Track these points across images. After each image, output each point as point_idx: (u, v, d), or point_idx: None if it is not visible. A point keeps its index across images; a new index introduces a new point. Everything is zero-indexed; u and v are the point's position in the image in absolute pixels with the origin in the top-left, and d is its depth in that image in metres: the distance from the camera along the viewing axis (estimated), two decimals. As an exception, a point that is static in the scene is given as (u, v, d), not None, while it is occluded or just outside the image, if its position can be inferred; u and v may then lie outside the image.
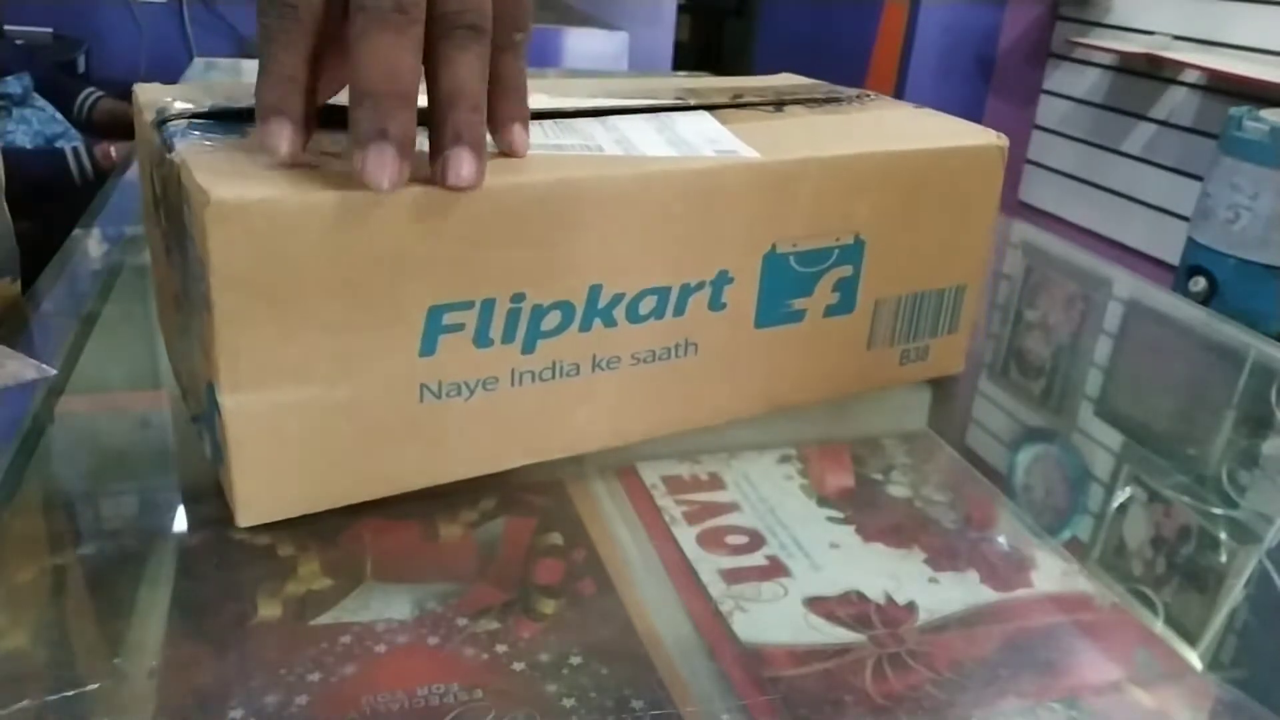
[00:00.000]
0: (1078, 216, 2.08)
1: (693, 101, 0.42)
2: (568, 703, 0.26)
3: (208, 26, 2.41)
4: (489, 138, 0.32)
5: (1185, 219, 1.50)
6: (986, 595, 0.32)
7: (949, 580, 0.32)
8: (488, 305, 0.32)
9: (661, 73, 1.77)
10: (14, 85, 1.67)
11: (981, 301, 0.47)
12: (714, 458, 0.39)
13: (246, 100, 0.35)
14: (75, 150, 1.58)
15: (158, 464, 0.36)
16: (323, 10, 0.30)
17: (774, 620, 0.30)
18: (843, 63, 2.41)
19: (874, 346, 0.42)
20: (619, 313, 0.35)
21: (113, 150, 1.58)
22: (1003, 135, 0.42)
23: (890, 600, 0.31)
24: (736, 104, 0.43)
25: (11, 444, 0.36)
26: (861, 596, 0.31)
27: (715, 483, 0.37)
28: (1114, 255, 1.90)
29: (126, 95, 1.04)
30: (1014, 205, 2.19)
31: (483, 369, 0.33)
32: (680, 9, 2.16)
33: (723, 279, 0.36)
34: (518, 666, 0.27)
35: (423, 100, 0.30)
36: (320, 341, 0.30)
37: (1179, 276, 1.39)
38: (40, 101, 1.73)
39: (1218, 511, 0.38)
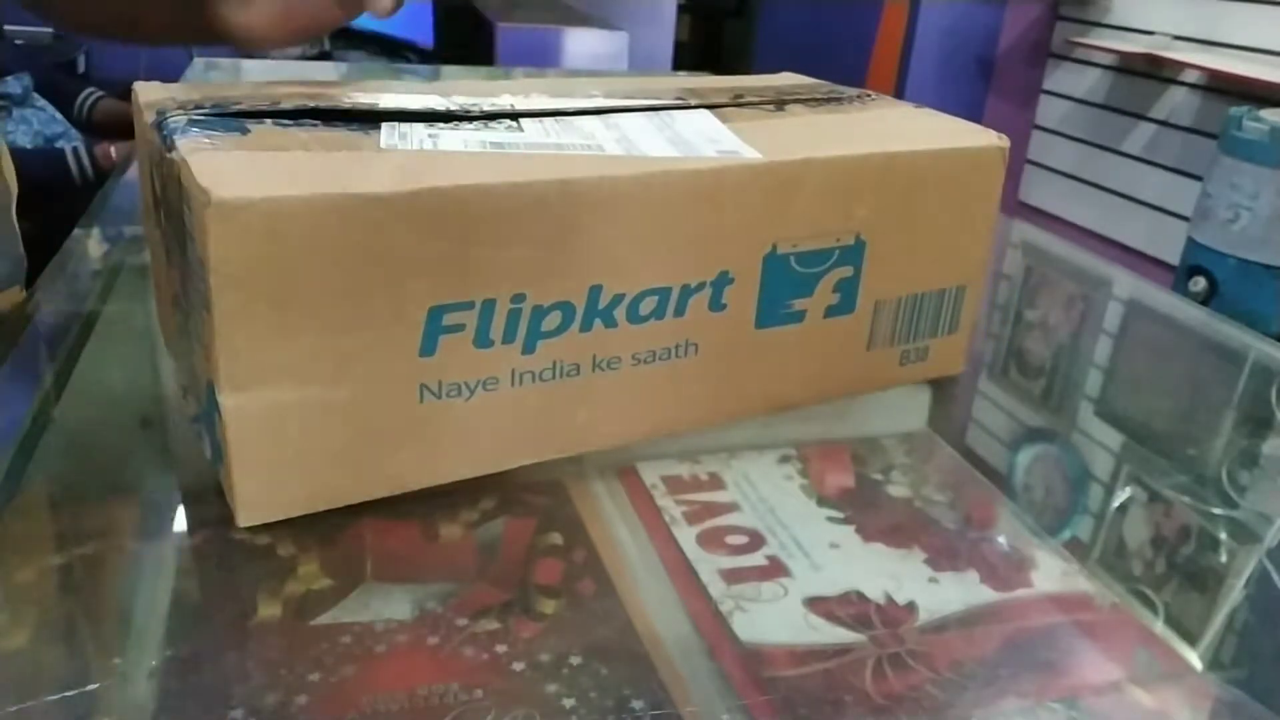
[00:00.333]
0: (1078, 216, 2.08)
1: (693, 101, 0.42)
2: (568, 703, 0.26)
3: (208, 26, 2.40)
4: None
5: (1185, 219, 1.50)
6: (986, 595, 0.32)
7: (949, 580, 0.32)
8: (488, 305, 0.32)
9: (661, 72, 1.77)
10: (14, 85, 1.68)
11: (981, 302, 0.47)
12: (714, 458, 0.39)
13: (247, 100, 0.35)
14: (75, 150, 1.58)
15: (158, 464, 0.36)
16: None
17: (774, 620, 0.30)
18: (843, 63, 2.41)
19: (874, 347, 0.42)
20: (619, 313, 0.35)
21: (113, 150, 1.58)
22: (1003, 136, 0.42)
23: (890, 600, 0.31)
24: (737, 103, 0.43)
25: (11, 444, 0.36)
26: (861, 596, 0.31)
27: (715, 483, 0.37)
28: (1114, 255, 1.90)
29: (126, 95, 1.03)
30: (1014, 205, 2.19)
31: (483, 369, 0.33)
32: (680, 9, 2.16)
33: (723, 279, 0.36)
34: (518, 666, 0.27)
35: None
36: (320, 341, 0.30)
37: (1179, 276, 1.39)
38: (40, 101, 1.73)
39: (1218, 511, 0.38)
